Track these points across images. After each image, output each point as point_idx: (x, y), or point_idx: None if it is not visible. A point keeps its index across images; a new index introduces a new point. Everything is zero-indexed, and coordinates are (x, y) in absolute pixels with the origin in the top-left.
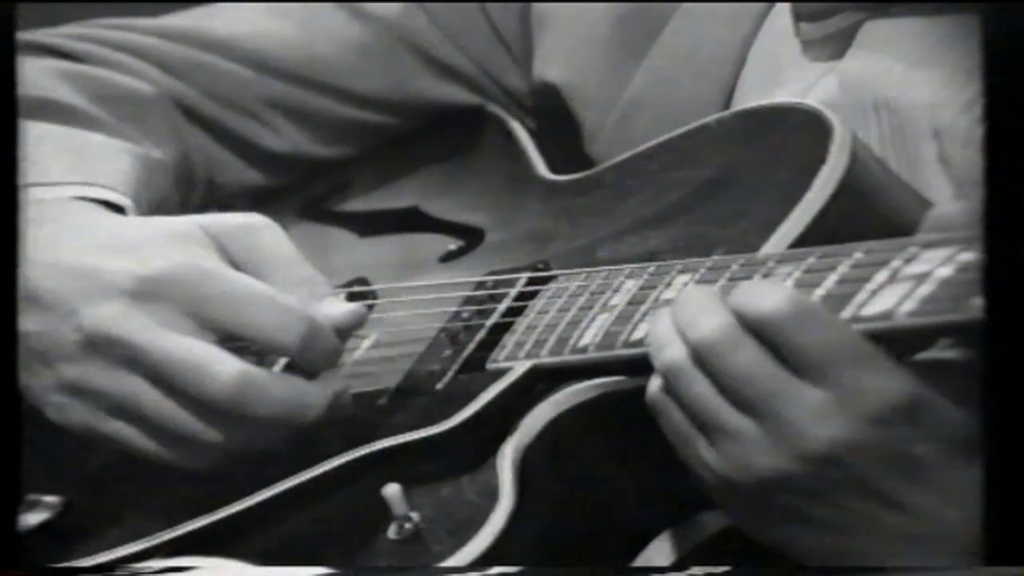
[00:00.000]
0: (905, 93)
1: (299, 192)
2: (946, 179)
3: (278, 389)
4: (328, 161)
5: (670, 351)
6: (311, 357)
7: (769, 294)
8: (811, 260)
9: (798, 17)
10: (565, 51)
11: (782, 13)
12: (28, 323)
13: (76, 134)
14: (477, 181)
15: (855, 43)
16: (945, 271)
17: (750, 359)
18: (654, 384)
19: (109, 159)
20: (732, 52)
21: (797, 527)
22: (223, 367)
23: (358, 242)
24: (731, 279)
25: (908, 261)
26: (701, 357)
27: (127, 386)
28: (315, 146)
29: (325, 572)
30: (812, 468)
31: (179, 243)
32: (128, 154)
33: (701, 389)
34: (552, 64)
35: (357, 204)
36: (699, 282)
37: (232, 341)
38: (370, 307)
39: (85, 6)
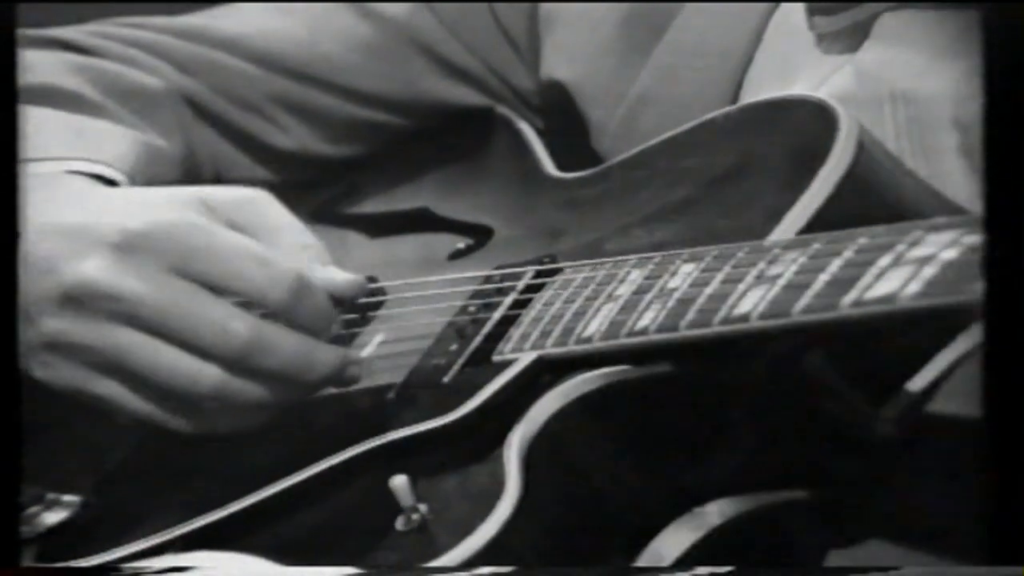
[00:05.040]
0: (925, 84)
1: (310, 195)
2: (967, 170)
3: (288, 343)
4: (336, 160)
5: None
6: (302, 315)
7: None
8: (816, 246)
9: (812, 11)
10: (572, 49)
11: (792, 8)
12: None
13: (79, 118)
14: (486, 181)
15: (871, 35)
16: (950, 253)
17: None
18: None
19: (108, 140)
20: (739, 48)
21: None
22: (238, 323)
23: (370, 243)
24: (736, 266)
25: (912, 245)
26: None
27: (115, 339)
28: (323, 144)
29: (339, 572)
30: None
31: (173, 204)
32: (129, 139)
33: None
34: (560, 62)
35: (368, 206)
36: (704, 271)
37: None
38: (378, 304)
39: (85, 6)
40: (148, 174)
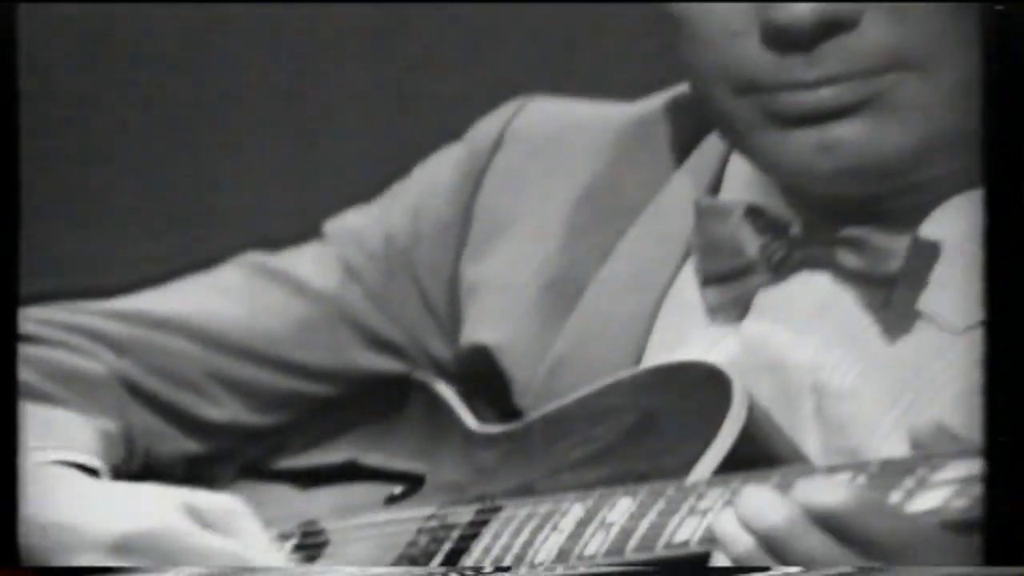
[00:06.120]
0: (790, 355)
1: (235, 458)
2: (818, 430)
3: None
4: (263, 430)
5: (741, 545)
6: None
7: (834, 491)
8: (735, 484)
9: (704, 282)
10: (497, 314)
11: (685, 283)
12: None
13: (40, 409)
14: (409, 436)
15: (752, 309)
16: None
17: (819, 544)
18: None
19: (76, 429)
20: (642, 317)
21: None
22: None
23: (297, 495)
24: (668, 502)
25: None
26: (771, 546)
27: None
28: (253, 415)
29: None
30: None
31: (161, 507)
32: (89, 426)
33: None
34: (484, 327)
35: (295, 461)
36: (641, 504)
37: None
38: (323, 544)
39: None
40: (110, 457)
